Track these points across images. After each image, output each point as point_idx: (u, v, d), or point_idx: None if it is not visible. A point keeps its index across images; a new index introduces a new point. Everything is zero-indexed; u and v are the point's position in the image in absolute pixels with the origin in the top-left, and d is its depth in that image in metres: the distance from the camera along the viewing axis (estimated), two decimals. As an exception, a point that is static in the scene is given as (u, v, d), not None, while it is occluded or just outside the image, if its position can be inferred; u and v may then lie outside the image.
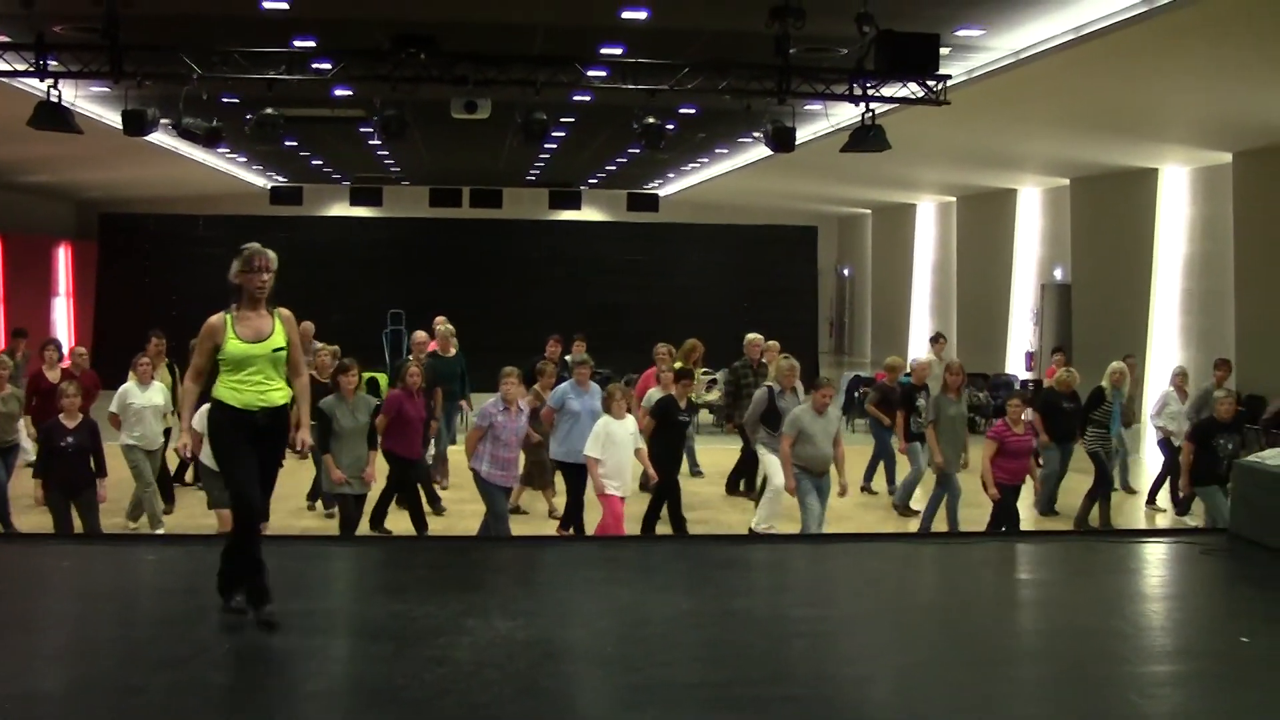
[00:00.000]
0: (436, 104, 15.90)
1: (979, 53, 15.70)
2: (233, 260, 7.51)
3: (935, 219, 36.31)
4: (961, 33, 14.56)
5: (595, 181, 37.62)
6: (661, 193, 38.63)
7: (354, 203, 36.65)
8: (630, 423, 11.89)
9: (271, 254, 7.56)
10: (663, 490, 12.91)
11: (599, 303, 29.41)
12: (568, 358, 15.01)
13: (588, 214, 38.83)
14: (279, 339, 7.52)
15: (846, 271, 45.17)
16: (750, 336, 16.19)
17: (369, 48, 14.22)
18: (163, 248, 30.00)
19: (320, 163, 33.24)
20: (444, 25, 14.12)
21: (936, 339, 19.45)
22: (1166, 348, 23.68)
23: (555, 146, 27.74)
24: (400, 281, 29.62)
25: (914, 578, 10.00)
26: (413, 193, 36.89)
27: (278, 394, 7.52)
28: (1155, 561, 10.35)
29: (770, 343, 16.19)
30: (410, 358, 15.04)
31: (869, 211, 41.77)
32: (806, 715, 6.31)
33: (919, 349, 35.19)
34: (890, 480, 16.27)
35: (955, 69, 15.95)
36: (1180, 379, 15.63)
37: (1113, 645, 7.67)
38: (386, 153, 30.12)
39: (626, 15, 14.19)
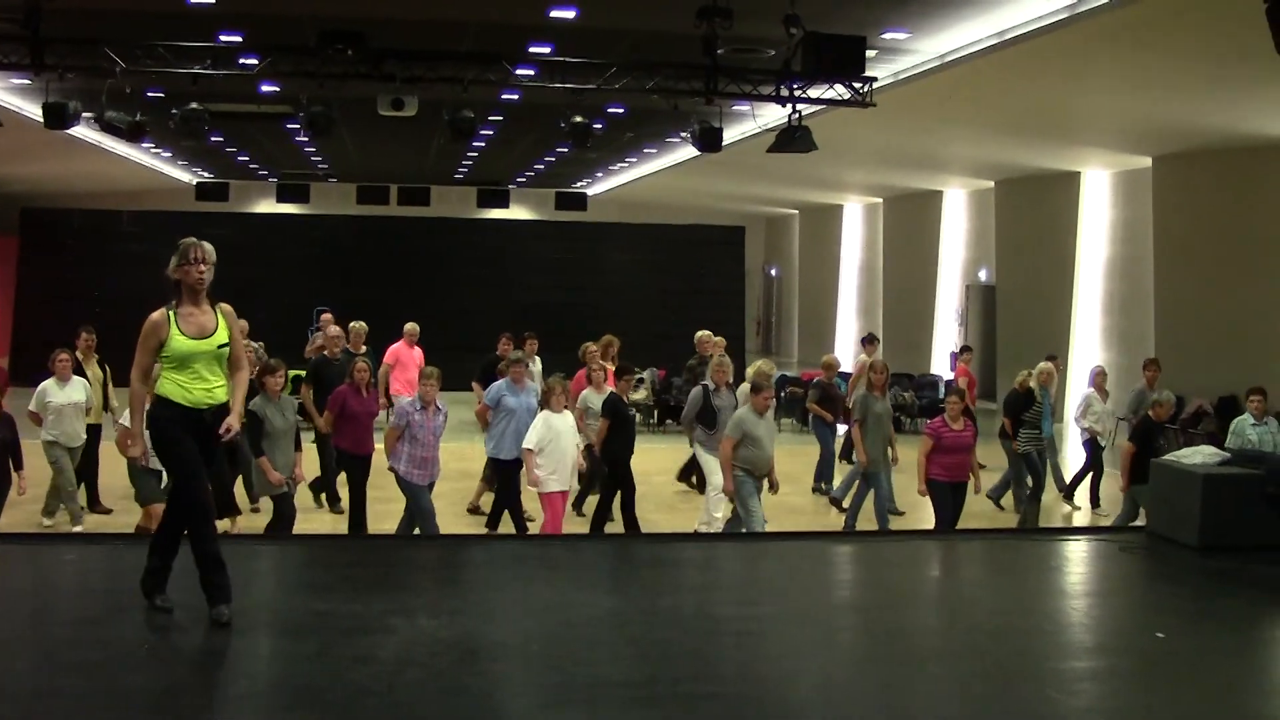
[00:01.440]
0: (364, 101, 15.81)
1: (905, 55, 15.83)
2: (171, 256, 7.46)
3: (862, 220, 36.56)
4: (888, 35, 14.68)
5: (524, 180, 37.55)
6: (590, 192, 38.62)
7: (281, 199, 36.37)
8: (569, 417, 11.87)
9: (208, 246, 7.53)
10: (615, 485, 13.05)
11: (527, 301, 29.40)
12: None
13: (516, 212, 38.76)
14: (223, 335, 7.46)
15: (774, 271, 45.36)
16: (701, 334, 16.26)
17: (296, 43, 14.13)
18: (86, 243, 29.66)
19: (247, 159, 32.94)
20: (372, 22, 14.05)
21: (870, 340, 19.61)
22: (1088, 348, 23.99)
23: (483, 145, 27.65)
24: (327, 279, 29.49)
25: (839, 576, 10.08)
26: (340, 190, 36.68)
27: (221, 390, 7.46)
28: (1075, 559, 10.49)
29: (717, 339, 16.24)
30: (325, 351, 14.95)
31: (796, 212, 41.97)
32: (730, 713, 6.33)
33: (846, 349, 35.46)
34: (830, 478, 16.36)
35: (881, 71, 16.06)
36: (1100, 379, 15.83)
37: (1033, 642, 7.77)
38: (314, 149, 29.90)
39: (555, 14, 14.18)
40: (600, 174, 35.41)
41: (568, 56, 15.07)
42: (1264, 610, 8.64)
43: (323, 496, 14.42)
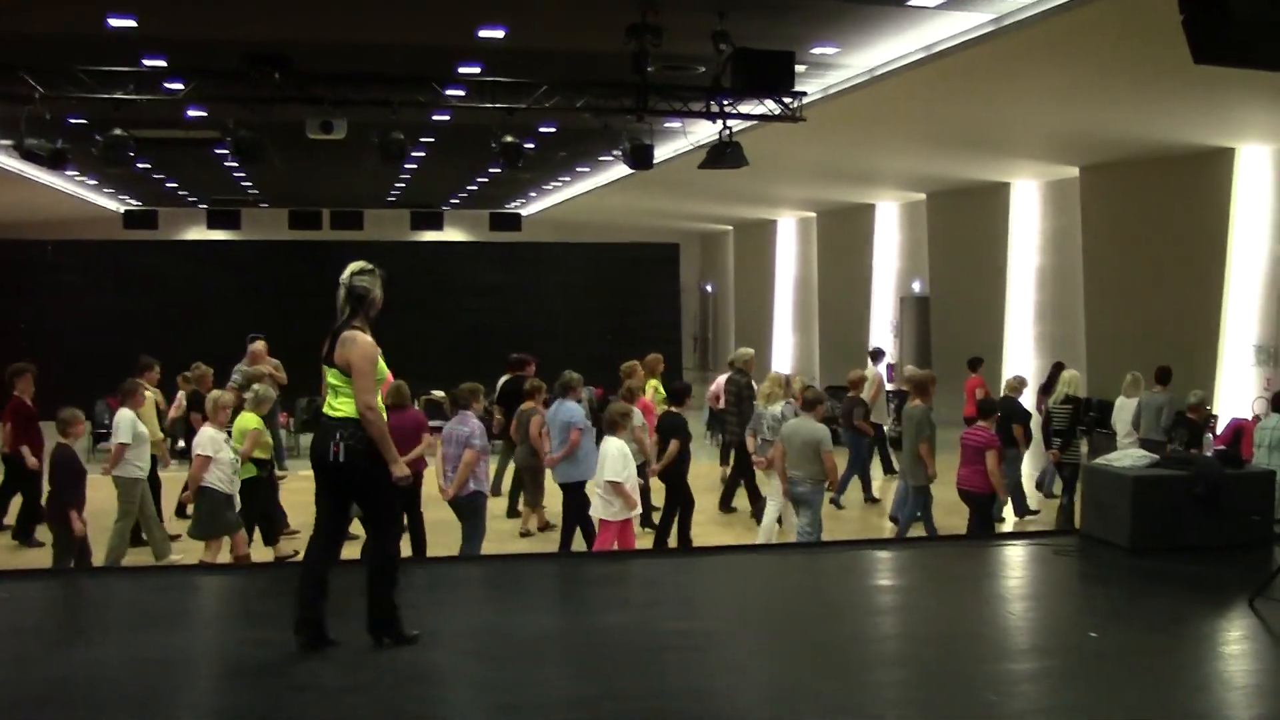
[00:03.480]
0: (292, 125, 15.75)
1: (834, 70, 15.95)
2: (365, 275, 7.43)
3: (796, 234, 36.75)
4: (816, 51, 14.79)
5: (457, 202, 37.50)
6: (524, 212, 38.63)
7: (211, 226, 36.13)
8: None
9: None
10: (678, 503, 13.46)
11: (463, 324, 29.26)
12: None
13: (450, 234, 38.70)
14: None
15: (709, 287, 45.51)
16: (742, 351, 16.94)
17: (221, 68, 14.05)
18: (10, 275, 29.23)
19: (175, 185, 32.70)
20: (298, 45, 14.00)
21: (878, 354, 20.72)
22: (1021, 357, 24.23)
23: (415, 167, 27.60)
24: (260, 306, 29.17)
25: (780, 587, 10.09)
26: (272, 215, 36.46)
27: None
28: (1011, 564, 10.61)
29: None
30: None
31: (730, 228, 42.14)
32: (673, 726, 6.36)
33: (782, 363, 35.60)
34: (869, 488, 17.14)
35: (811, 86, 16.19)
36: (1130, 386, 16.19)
37: (971, 646, 7.84)
38: (243, 175, 29.73)
39: (484, 34, 14.18)
40: (534, 194, 35.42)
41: (497, 76, 15.09)
42: (1193, 608, 8.77)
43: None
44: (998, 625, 8.63)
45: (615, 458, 11.29)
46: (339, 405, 7.31)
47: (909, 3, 12.71)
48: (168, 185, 32.36)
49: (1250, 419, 17.55)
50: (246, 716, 6.44)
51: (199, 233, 37.42)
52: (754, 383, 15.73)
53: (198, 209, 37.50)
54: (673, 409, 13.78)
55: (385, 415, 7.44)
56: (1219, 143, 18.55)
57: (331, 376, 7.33)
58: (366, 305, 7.39)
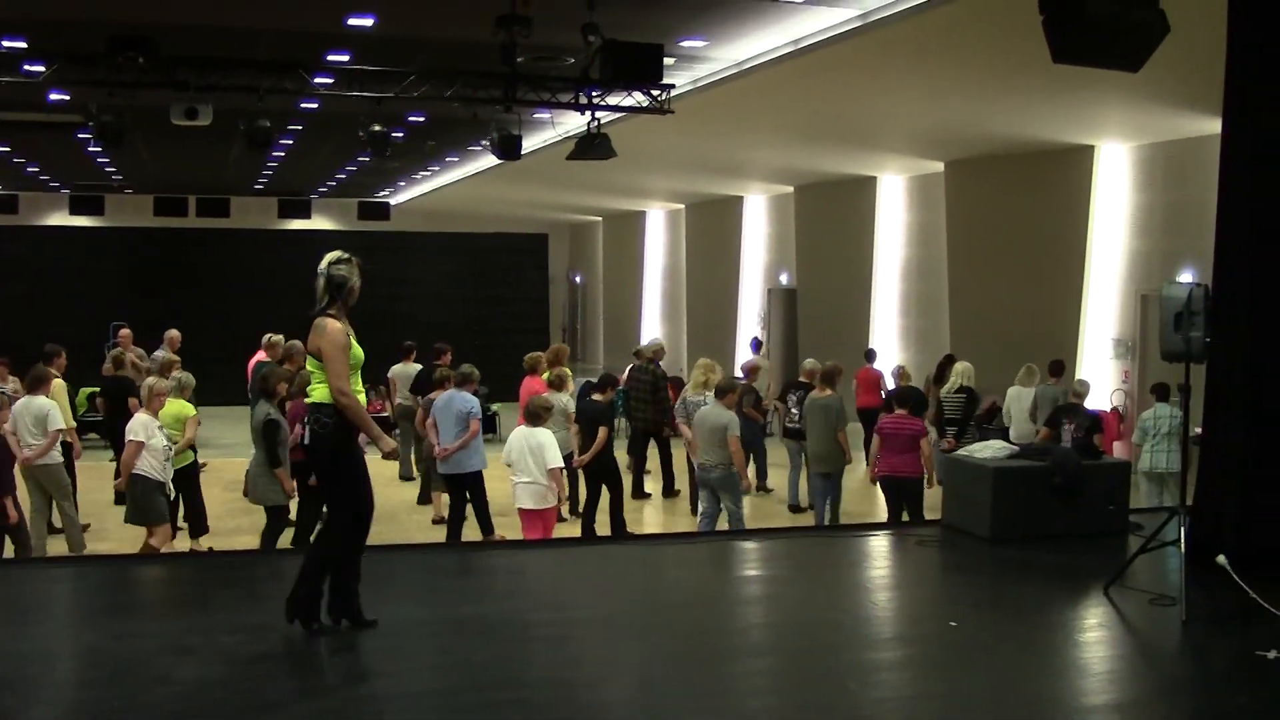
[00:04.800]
0: (157, 110, 15.45)
1: (703, 63, 16.04)
2: (342, 264, 7.51)
3: (665, 226, 36.91)
4: (685, 43, 14.86)
5: (325, 190, 37.07)
6: (393, 201, 38.31)
7: (74, 212, 35.25)
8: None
9: None
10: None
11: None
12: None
13: (318, 223, 38.24)
14: None
15: (578, 278, 45.52)
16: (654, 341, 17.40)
17: (84, 50, 13.73)
18: None
19: (36, 170, 31.90)
20: (163, 28, 13.71)
21: (758, 344, 20.93)
22: (887, 348, 24.57)
23: (283, 155, 27.23)
24: (125, 293, 28.60)
25: (647, 579, 10.14)
26: (136, 201, 35.69)
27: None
28: (875, 554, 10.78)
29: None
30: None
31: (600, 219, 42.18)
32: (536, 717, 6.37)
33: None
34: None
35: (679, 79, 16.26)
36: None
37: (832, 636, 7.95)
38: (107, 160, 29.08)
39: (353, 22, 14.03)
40: (403, 183, 35.12)
41: (366, 65, 14.96)
42: (1051, 596, 8.98)
43: None
44: (860, 615, 8.77)
45: (552, 446, 11.48)
46: (312, 391, 7.51)
47: (777, -2, 12.82)
48: (28, 169, 31.57)
49: (1109, 410, 18.04)
50: (101, 712, 6.32)
51: (61, 218, 36.54)
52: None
53: (60, 194, 36.59)
54: (595, 397, 13.91)
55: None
56: (1079, 140, 18.99)
57: (309, 364, 7.56)
58: (345, 293, 7.54)
